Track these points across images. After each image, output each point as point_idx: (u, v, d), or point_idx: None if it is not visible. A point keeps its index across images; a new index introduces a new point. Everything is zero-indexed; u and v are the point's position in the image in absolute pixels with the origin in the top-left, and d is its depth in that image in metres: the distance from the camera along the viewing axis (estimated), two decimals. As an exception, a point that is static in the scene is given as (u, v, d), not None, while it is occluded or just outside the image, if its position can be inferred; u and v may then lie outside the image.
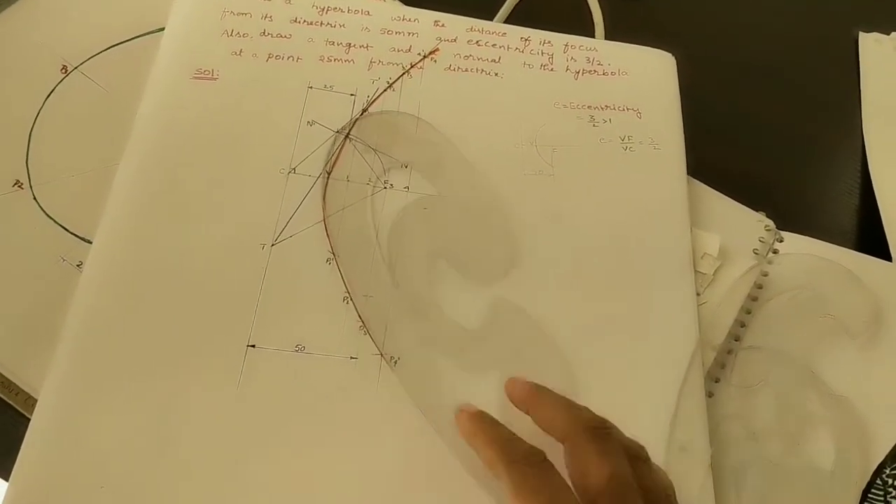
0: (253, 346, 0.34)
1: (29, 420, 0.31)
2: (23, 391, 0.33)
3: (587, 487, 0.27)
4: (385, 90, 0.42)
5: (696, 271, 0.40)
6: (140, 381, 0.32)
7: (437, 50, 0.44)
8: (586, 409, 0.31)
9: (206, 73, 0.40)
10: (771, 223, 0.44)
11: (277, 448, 0.32)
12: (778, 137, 0.51)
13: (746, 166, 0.48)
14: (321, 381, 0.34)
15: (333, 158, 0.39)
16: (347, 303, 0.36)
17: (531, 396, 0.32)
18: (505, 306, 0.37)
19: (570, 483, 0.28)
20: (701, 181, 0.45)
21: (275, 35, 0.42)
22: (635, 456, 0.29)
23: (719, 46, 0.55)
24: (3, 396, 0.33)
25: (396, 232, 0.38)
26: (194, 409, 0.32)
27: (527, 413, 0.32)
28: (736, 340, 0.39)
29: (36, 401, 0.32)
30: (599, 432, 0.29)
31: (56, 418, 0.31)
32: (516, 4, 0.51)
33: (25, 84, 0.39)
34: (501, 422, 0.31)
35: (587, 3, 0.53)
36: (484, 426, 0.31)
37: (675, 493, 0.30)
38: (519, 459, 0.28)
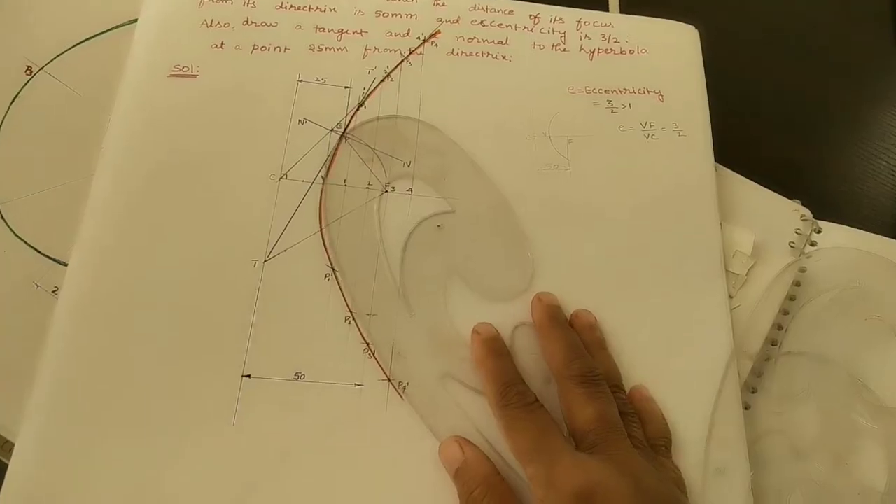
0: (248, 376, 0.31)
1: (6, 465, 0.29)
2: (-2, 434, 0.30)
3: (575, 425, 0.30)
4: (382, 81, 0.38)
5: (727, 271, 0.37)
6: (126, 422, 0.30)
7: (437, 33, 0.40)
8: (584, 358, 0.32)
9: (185, 69, 0.36)
10: (807, 212, 0.40)
11: (279, 486, 0.30)
12: (810, 115, 0.47)
13: (777, 148, 0.45)
14: (324, 411, 0.31)
15: (329, 160, 0.36)
16: (350, 323, 0.33)
17: (543, 327, 0.33)
18: (524, 320, 0.34)
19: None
20: (727, 167, 0.41)
21: (259, 23, 0.38)
22: (622, 411, 0.31)
23: (743, 13, 0.50)
24: (-24, 441, 0.30)
25: (408, 253, 0.34)
26: (187, 449, 0.30)
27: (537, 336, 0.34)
28: (773, 345, 0.36)
29: (13, 445, 0.29)
30: (586, 378, 0.31)
31: (36, 468, 0.29)
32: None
33: (-14, 89, 0.36)
34: None
35: (599, -29, 0.49)
36: (491, 359, 0.32)
37: (669, 444, 0.32)
38: (510, 403, 0.30)
